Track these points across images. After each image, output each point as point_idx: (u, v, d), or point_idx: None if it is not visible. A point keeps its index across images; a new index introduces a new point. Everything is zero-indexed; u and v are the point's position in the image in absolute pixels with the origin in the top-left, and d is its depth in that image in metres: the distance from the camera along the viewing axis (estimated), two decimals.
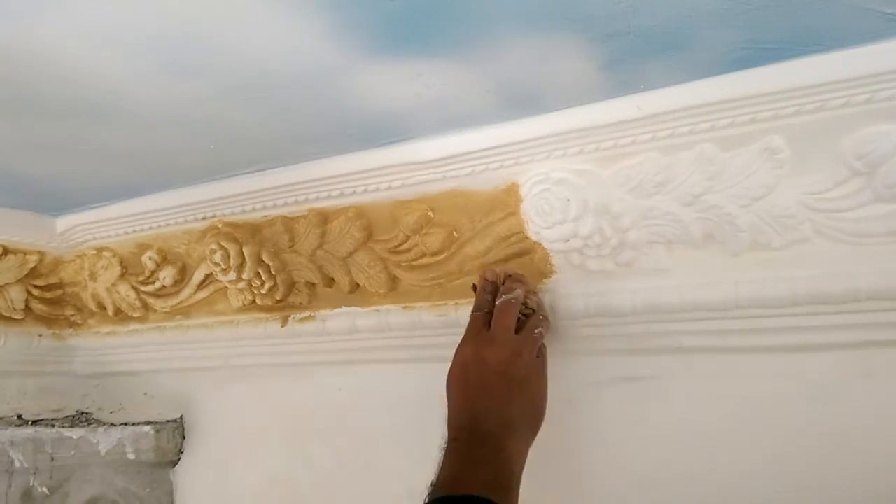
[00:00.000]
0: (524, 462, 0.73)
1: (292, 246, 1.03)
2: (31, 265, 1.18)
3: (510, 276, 0.87)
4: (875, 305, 0.74)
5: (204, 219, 1.07)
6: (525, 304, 0.83)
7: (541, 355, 0.82)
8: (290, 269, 1.06)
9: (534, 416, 0.78)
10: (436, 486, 0.70)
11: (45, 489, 1.20)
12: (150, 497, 1.24)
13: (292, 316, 1.10)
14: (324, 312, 1.08)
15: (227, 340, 1.17)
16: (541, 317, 0.84)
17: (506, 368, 0.76)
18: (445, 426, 0.77)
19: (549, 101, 0.76)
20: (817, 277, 0.75)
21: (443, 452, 0.73)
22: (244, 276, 1.06)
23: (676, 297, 0.82)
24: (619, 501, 0.90)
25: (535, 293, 0.87)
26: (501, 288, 0.85)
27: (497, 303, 0.82)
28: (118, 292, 1.22)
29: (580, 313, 0.88)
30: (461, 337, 0.88)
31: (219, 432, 1.23)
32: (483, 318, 0.82)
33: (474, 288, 0.88)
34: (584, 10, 0.57)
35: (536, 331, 0.81)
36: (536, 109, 0.77)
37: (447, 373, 0.80)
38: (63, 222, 1.17)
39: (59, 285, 1.25)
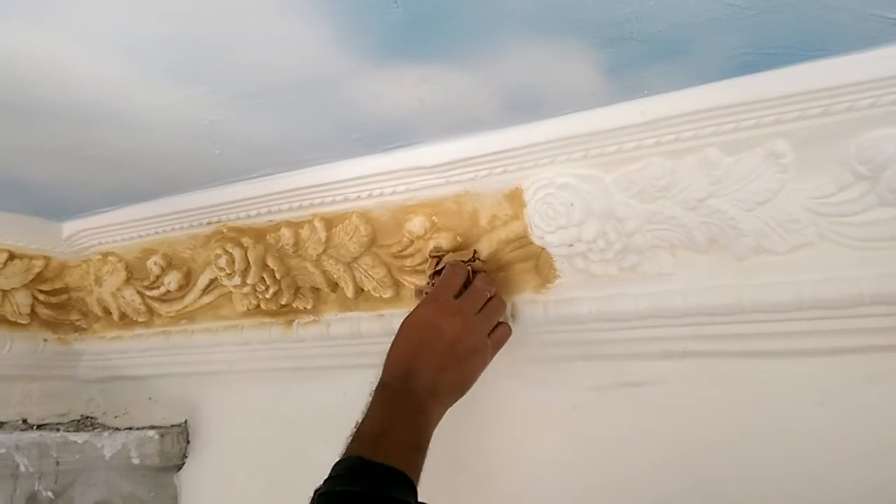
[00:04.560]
0: (438, 423, 0.82)
1: (297, 251, 1.04)
2: (37, 270, 1.19)
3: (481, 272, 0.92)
4: (880, 310, 0.74)
5: (209, 224, 1.08)
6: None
7: (495, 337, 0.87)
8: (295, 274, 1.06)
9: (460, 389, 0.84)
10: (360, 432, 0.77)
11: (49, 493, 1.20)
12: (155, 501, 1.24)
13: (297, 320, 1.10)
14: (328, 317, 1.08)
15: (231, 345, 1.17)
16: (504, 302, 0.90)
17: (455, 342, 0.83)
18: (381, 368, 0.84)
19: (552, 106, 0.76)
20: (822, 282, 0.75)
21: (372, 392, 0.81)
22: (249, 281, 1.06)
23: (680, 301, 0.82)
24: None
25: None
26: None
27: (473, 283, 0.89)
28: (123, 297, 1.22)
29: (584, 318, 0.88)
30: None
31: (223, 437, 1.24)
32: (455, 288, 0.88)
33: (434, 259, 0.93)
34: (587, 15, 0.57)
35: (496, 314, 0.88)
36: (540, 114, 0.77)
37: (404, 319, 0.87)
38: (68, 227, 1.17)
39: (65, 290, 1.25)
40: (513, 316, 0.93)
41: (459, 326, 0.83)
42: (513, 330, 0.90)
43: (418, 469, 0.75)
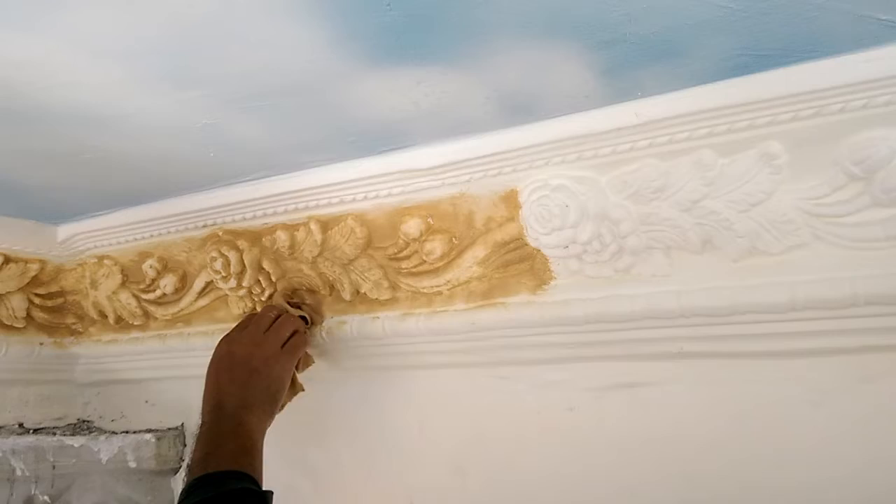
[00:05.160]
0: (264, 433, 0.91)
1: (293, 253, 1.04)
2: (33, 273, 1.19)
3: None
4: (874, 310, 0.74)
5: (204, 227, 1.08)
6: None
7: (289, 347, 0.98)
8: (291, 277, 1.06)
9: (270, 397, 0.94)
10: (191, 466, 0.84)
11: (46, 498, 1.20)
12: None
13: None
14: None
15: None
16: (293, 318, 1.01)
17: (247, 359, 0.94)
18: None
19: (547, 109, 0.76)
20: (816, 283, 0.75)
21: (195, 437, 0.88)
22: (245, 284, 1.06)
23: (675, 302, 0.82)
24: None
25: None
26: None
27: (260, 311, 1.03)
28: (119, 300, 1.22)
29: (580, 319, 0.88)
30: (460, 342, 0.88)
31: None
32: (246, 324, 1.01)
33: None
34: (581, 18, 0.58)
35: (284, 329, 0.99)
36: (535, 116, 0.78)
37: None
38: (64, 231, 1.17)
39: (61, 293, 1.25)
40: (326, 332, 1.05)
41: (248, 346, 0.96)
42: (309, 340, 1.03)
43: (255, 467, 0.83)
